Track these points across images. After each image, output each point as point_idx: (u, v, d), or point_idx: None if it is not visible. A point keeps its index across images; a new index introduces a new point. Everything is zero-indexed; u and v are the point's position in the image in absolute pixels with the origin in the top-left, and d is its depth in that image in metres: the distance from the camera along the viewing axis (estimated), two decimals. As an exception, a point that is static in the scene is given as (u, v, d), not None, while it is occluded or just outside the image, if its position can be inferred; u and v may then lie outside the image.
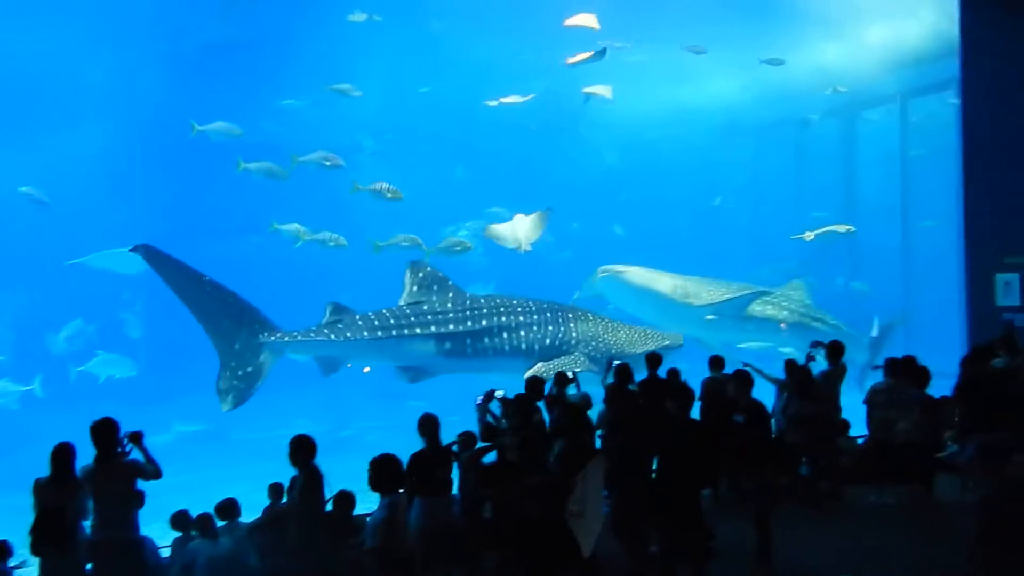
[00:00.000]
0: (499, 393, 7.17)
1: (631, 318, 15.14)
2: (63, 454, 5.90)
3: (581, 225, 26.36)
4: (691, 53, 19.26)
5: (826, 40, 21.14)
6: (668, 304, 16.14)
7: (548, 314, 12.72)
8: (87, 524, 5.96)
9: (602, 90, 18.49)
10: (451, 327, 12.30)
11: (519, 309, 12.66)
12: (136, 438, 6.11)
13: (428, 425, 6.60)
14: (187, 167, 21.72)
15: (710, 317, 16.17)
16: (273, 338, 12.08)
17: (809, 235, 16.98)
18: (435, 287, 12.77)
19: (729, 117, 26.12)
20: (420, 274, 12.91)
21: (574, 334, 12.53)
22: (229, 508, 6.56)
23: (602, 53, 16.16)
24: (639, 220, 26.66)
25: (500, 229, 14.73)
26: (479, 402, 7.38)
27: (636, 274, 16.36)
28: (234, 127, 16.17)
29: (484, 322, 12.38)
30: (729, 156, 28.64)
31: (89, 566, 5.92)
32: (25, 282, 20.32)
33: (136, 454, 6.11)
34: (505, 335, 12.37)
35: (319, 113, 21.31)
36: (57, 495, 5.81)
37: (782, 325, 16.64)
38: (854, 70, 21.52)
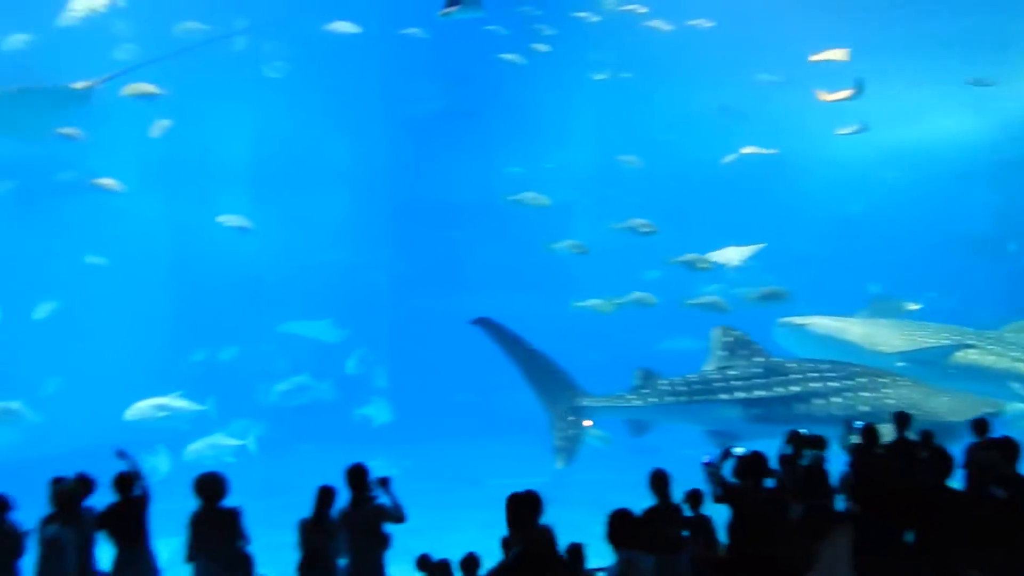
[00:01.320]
0: (737, 451, 6.95)
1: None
2: (326, 497, 6.46)
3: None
4: (974, 86, 18.18)
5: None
6: (856, 354, 15.11)
7: (862, 379, 12.43)
8: (342, 562, 6.46)
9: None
10: (759, 393, 12.30)
11: (831, 374, 12.46)
12: (384, 483, 6.53)
13: (659, 481, 6.53)
14: (423, 227, 23.42)
15: (900, 364, 14.78)
16: (587, 402, 12.86)
17: None
18: (742, 351, 12.90)
19: (966, 156, 24.11)
20: (728, 338, 13.09)
21: (890, 400, 11.94)
22: (470, 562, 6.76)
23: (860, 88, 15.70)
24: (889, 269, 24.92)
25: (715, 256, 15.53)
26: (709, 460, 7.19)
27: (821, 324, 15.74)
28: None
29: (794, 388, 12.29)
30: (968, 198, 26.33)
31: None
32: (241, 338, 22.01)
33: (383, 499, 6.54)
34: (816, 401, 12.18)
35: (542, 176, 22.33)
36: (319, 535, 6.35)
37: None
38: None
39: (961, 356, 14.97)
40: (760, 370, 12.50)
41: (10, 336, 18.27)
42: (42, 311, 18.67)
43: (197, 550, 6.39)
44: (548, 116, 23.57)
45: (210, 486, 6.52)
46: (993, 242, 25.36)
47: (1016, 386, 14.72)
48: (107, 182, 16.90)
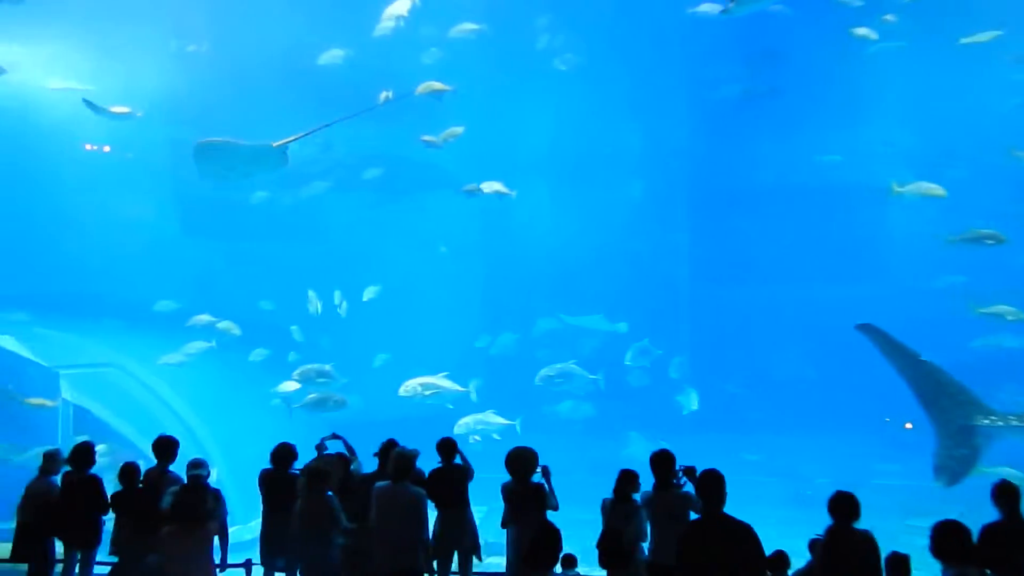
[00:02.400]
0: None
1: None
2: (627, 479, 6.55)
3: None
4: None
5: None
6: None
7: None
8: (645, 546, 6.47)
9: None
10: None
11: None
12: (690, 472, 6.44)
13: (1007, 494, 5.72)
14: (724, 214, 22.96)
15: None
16: (987, 421, 11.87)
17: None
18: None
19: None
20: None
21: None
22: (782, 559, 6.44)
23: None
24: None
25: None
26: None
27: None
28: None
29: None
30: None
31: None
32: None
33: (689, 487, 6.44)
34: None
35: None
36: (616, 515, 6.49)
37: None
38: None
39: None
40: None
41: (352, 315, 20.32)
42: (370, 293, 20.43)
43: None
44: (859, 94, 21.86)
45: (520, 461, 6.90)
46: None
47: None
48: (495, 186, 17.84)
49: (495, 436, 16.38)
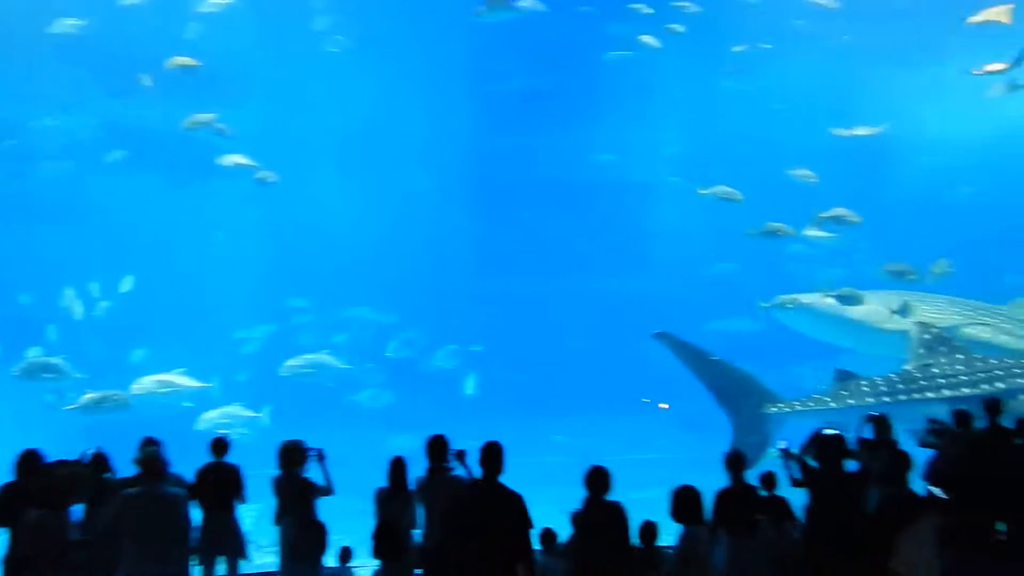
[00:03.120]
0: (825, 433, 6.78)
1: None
2: (399, 467, 6.59)
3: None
4: None
5: None
6: (857, 332, 15.15)
7: None
8: (417, 533, 6.58)
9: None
10: (965, 390, 12.03)
11: None
12: (461, 456, 6.61)
13: (735, 461, 6.45)
14: (506, 207, 23.53)
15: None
16: (775, 409, 12.58)
17: None
18: (943, 348, 12.77)
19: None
20: (926, 336, 13.04)
21: None
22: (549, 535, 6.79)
23: (1020, 60, 14.97)
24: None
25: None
26: (785, 446, 7.02)
27: (821, 302, 15.28)
28: None
29: (1000, 384, 11.92)
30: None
31: (418, 572, 6.48)
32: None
33: (461, 471, 6.61)
34: (1022, 397, 11.75)
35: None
36: (394, 506, 6.50)
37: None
38: None
39: (972, 333, 14.60)
40: (962, 367, 12.34)
41: (115, 308, 19.05)
42: (127, 284, 19.19)
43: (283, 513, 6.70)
44: (635, 97, 22.95)
45: (287, 455, 6.77)
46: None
47: None
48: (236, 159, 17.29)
49: (241, 430, 15.33)
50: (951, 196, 22.03)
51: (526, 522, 5.62)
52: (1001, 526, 5.73)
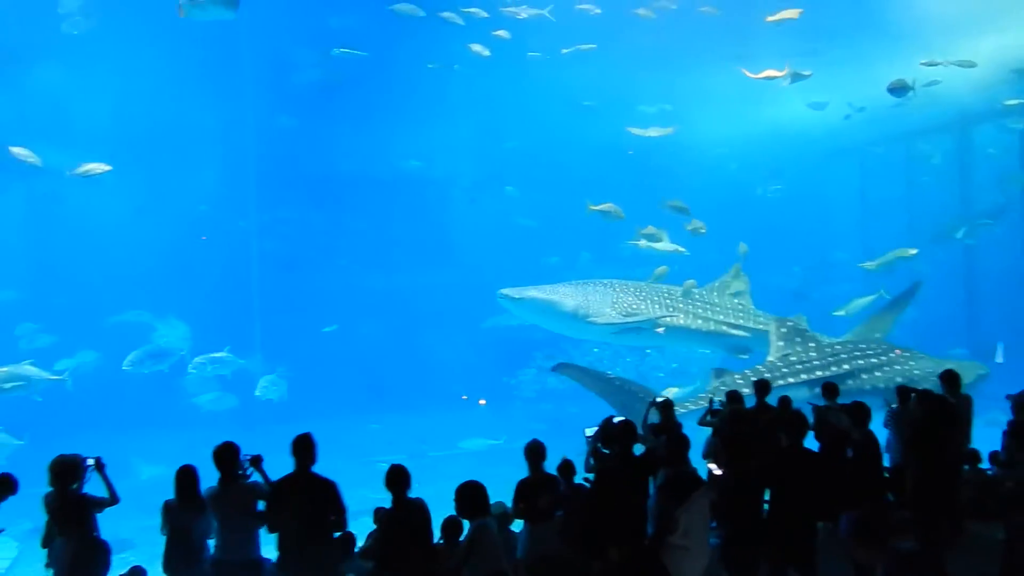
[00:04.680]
0: (617, 420, 7.16)
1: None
2: (188, 477, 6.24)
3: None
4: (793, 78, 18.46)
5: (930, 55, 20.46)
6: (570, 324, 16.52)
7: (892, 354, 13.80)
8: (211, 544, 6.28)
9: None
10: (818, 373, 13.21)
11: (871, 351, 13.80)
12: (256, 461, 6.38)
13: (534, 452, 6.67)
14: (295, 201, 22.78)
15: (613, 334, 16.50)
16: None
17: (871, 264, 17.81)
18: (798, 338, 14.18)
19: (832, 137, 25.57)
20: (783, 328, 14.43)
21: (916, 371, 13.28)
22: (347, 541, 6.72)
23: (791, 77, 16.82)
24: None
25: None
26: (590, 434, 7.34)
27: (536, 295, 16.48)
28: None
29: (846, 366, 13.48)
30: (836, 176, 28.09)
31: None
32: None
33: (256, 477, 6.39)
34: (863, 376, 13.37)
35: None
36: (184, 516, 6.16)
37: (659, 330, 16.24)
38: (959, 87, 20.66)
39: (670, 321, 16.38)
40: (815, 353, 13.79)
41: None
42: None
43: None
44: (437, 99, 23.21)
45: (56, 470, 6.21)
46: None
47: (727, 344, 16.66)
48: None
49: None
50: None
51: (337, 508, 6.06)
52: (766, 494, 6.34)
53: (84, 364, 17.99)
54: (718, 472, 6.60)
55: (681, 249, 16.77)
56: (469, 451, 18.45)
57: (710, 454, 7.62)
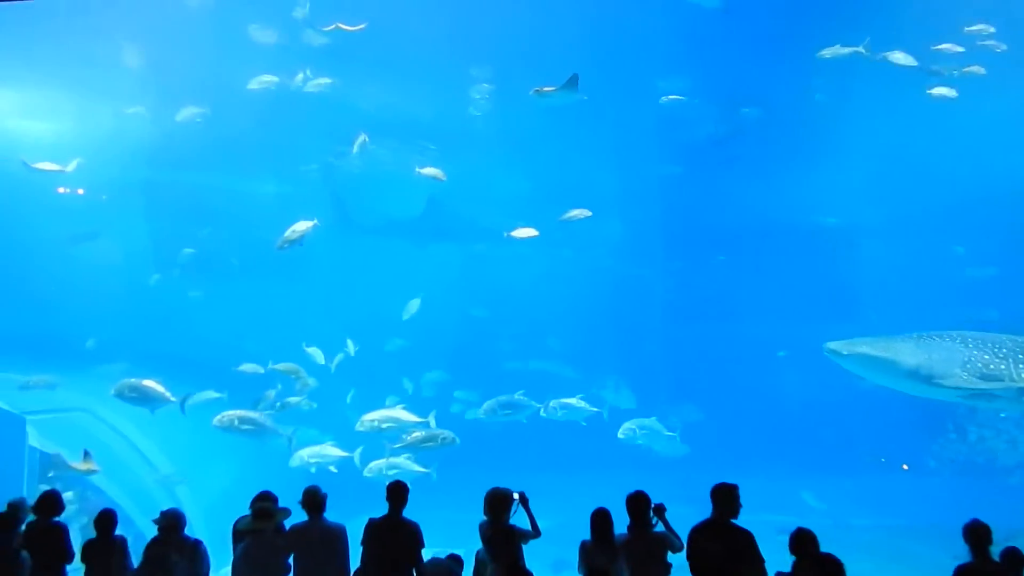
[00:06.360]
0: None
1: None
2: (604, 521, 6.54)
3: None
4: None
5: None
6: (912, 384, 14.21)
7: None
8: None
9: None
10: None
11: None
12: (660, 511, 6.52)
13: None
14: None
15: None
16: None
17: None
18: None
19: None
20: None
21: None
22: None
23: (573, 82, 14.82)
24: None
25: None
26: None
27: (867, 351, 14.40)
28: None
29: None
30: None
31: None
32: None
33: (661, 527, 6.51)
34: None
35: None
36: (602, 558, 6.43)
37: None
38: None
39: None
40: None
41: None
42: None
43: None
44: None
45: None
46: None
47: None
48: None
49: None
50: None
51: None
52: None
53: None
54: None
55: None
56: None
57: None
